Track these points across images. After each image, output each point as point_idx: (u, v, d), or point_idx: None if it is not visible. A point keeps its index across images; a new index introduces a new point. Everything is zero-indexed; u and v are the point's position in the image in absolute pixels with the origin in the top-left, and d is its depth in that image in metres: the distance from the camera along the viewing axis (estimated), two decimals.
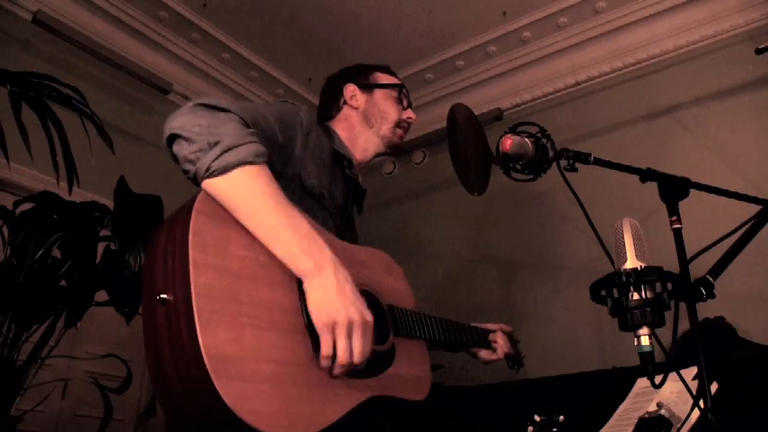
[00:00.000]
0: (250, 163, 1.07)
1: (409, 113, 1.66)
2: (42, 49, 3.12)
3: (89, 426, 2.50)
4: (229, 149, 1.05)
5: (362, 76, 1.67)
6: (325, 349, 1.05)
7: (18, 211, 2.19)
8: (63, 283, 2.19)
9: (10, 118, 2.03)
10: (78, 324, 2.25)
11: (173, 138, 1.09)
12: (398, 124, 1.63)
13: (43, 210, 2.19)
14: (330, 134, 1.56)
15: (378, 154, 1.64)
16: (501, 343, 1.77)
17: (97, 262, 2.23)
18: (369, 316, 1.11)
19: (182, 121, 1.08)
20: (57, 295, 2.17)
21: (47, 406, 2.47)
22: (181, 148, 1.07)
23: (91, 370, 2.56)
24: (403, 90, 1.67)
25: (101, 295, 2.24)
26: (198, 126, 1.07)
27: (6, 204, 2.22)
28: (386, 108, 1.62)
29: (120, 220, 2.22)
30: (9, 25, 3.01)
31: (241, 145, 1.07)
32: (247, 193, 1.06)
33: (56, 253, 2.18)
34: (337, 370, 1.07)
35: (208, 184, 1.06)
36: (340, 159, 1.52)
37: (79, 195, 2.27)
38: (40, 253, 2.09)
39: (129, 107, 3.45)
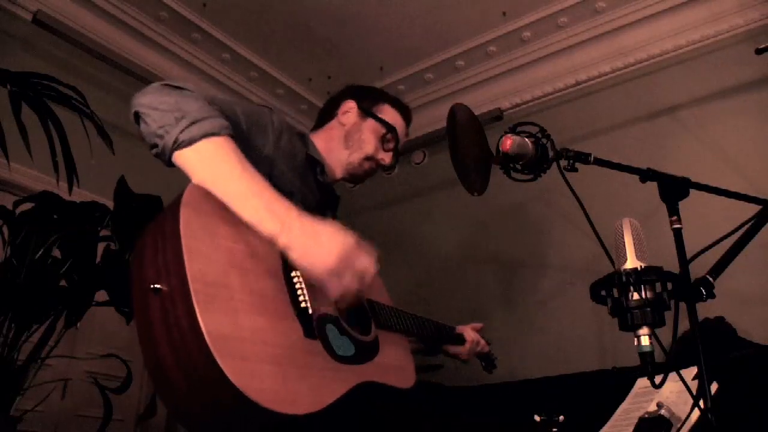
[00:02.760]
0: (215, 134, 1.11)
1: (386, 156, 1.61)
2: (42, 49, 3.12)
3: (89, 426, 2.50)
4: (194, 122, 1.10)
5: (369, 99, 1.64)
6: (335, 292, 1.10)
7: (18, 211, 2.19)
8: (63, 283, 2.19)
9: (10, 118, 2.03)
10: (78, 324, 2.25)
11: (140, 115, 1.14)
12: (369, 158, 1.59)
13: (43, 210, 2.19)
14: (305, 141, 1.54)
15: (342, 179, 1.62)
16: (471, 335, 1.86)
17: (97, 262, 2.23)
18: (351, 243, 1.11)
19: (149, 99, 1.14)
20: (57, 295, 2.17)
21: (47, 406, 2.46)
22: (148, 125, 1.13)
23: (91, 370, 2.56)
24: (392, 134, 1.62)
25: (101, 295, 2.24)
26: (165, 103, 1.12)
27: (6, 204, 2.21)
28: (367, 138, 1.59)
29: (120, 220, 2.22)
30: (9, 25, 3.01)
31: (206, 118, 1.11)
32: (212, 162, 1.10)
33: (56, 253, 2.18)
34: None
35: (177, 156, 1.10)
36: (313, 165, 1.51)
37: (79, 195, 2.27)
38: (40, 253, 2.10)
39: (129, 107, 3.44)
